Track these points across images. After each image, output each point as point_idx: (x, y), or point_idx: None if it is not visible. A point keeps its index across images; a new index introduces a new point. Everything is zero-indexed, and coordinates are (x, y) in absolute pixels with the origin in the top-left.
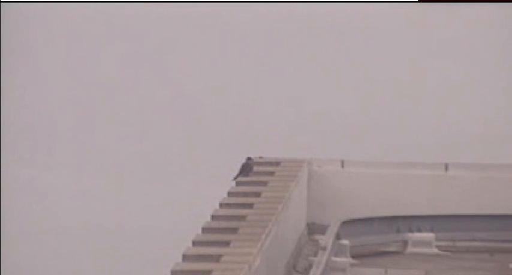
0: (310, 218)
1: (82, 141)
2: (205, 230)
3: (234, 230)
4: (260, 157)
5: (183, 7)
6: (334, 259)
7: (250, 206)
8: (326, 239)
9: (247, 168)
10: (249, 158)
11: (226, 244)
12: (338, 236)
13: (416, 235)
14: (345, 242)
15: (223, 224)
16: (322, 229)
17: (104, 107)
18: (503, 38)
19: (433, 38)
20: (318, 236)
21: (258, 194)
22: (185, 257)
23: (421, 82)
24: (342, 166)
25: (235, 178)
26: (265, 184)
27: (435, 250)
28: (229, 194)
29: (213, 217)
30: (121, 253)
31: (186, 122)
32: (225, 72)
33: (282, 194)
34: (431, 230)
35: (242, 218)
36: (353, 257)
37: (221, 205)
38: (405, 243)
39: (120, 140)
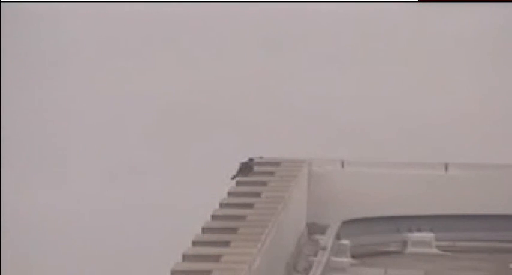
0: (310, 218)
1: (82, 141)
2: (205, 230)
3: (234, 230)
4: (260, 157)
5: (184, 7)
6: (334, 259)
7: (250, 206)
8: (326, 239)
9: (246, 168)
10: (250, 159)
11: (226, 244)
12: (338, 236)
13: (416, 235)
14: (345, 242)
15: (223, 224)
16: (322, 229)
17: (104, 107)
18: (504, 38)
19: (433, 38)
20: (318, 236)
21: (258, 194)
22: (185, 257)
23: (421, 82)
24: (342, 166)
25: (233, 177)
26: (265, 184)
27: (435, 250)
28: (229, 194)
29: (213, 217)
30: (121, 253)
31: (186, 121)
32: (225, 72)
33: (282, 194)
34: (431, 230)
35: (242, 218)
36: (353, 257)
37: (221, 205)
38: (405, 243)
39: (119, 140)
